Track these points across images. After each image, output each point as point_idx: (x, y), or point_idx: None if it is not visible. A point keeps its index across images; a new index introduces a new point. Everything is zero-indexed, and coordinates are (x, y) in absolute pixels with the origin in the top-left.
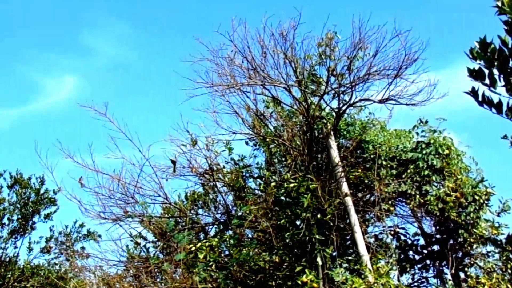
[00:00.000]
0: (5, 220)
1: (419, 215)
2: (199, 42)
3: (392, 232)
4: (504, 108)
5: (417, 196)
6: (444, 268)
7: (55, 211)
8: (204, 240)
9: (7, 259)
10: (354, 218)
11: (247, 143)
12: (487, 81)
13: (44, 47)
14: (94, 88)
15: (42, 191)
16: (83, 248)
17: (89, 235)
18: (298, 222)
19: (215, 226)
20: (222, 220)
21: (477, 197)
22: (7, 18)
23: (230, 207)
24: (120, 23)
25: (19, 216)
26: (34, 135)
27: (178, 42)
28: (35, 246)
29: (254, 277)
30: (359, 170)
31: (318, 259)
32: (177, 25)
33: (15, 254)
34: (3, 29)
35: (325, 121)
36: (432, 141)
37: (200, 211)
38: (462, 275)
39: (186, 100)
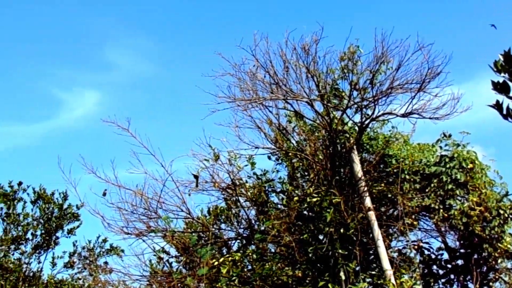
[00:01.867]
0: (29, 235)
1: (443, 229)
2: (221, 57)
3: (416, 247)
4: None
5: (441, 210)
6: (468, 283)
7: (78, 226)
8: (227, 255)
9: (31, 274)
10: (377, 232)
11: (269, 158)
12: (511, 94)
13: (66, 63)
14: (116, 103)
15: (65, 206)
16: (106, 263)
17: (112, 250)
18: (321, 237)
19: (238, 240)
20: (244, 235)
21: (501, 211)
22: (29, 35)
23: (253, 221)
24: (143, 38)
25: (43, 231)
26: (57, 150)
27: (200, 57)
28: (58, 261)
29: None
30: (382, 185)
31: (341, 274)
32: (200, 40)
33: (39, 269)
34: (25, 46)
35: (347, 135)
36: (455, 155)
37: (222, 225)
38: None
39: (209, 115)
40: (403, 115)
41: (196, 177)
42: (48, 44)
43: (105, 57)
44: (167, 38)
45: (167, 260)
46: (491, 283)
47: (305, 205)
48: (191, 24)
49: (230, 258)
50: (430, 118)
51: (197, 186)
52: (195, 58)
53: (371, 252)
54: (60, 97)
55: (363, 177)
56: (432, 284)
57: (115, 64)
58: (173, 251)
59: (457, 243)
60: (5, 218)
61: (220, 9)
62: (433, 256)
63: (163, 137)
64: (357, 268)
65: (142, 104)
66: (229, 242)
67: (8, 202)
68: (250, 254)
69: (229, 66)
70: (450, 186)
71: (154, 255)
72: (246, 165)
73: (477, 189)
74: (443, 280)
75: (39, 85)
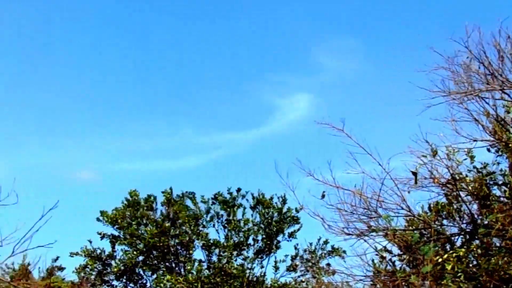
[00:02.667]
0: (250, 241)
1: None
2: (433, 51)
3: None
4: None
5: None
6: None
7: (298, 229)
8: (451, 251)
9: (254, 279)
10: None
11: (489, 150)
12: None
13: (277, 69)
14: (327, 105)
15: (284, 210)
16: (328, 264)
17: (333, 251)
18: None
19: (461, 236)
20: (467, 230)
21: None
22: (239, 45)
23: (475, 216)
24: (348, 37)
25: (264, 236)
26: (272, 155)
27: (409, 53)
28: (281, 264)
29: (505, 286)
30: None
31: None
32: (406, 36)
33: (262, 274)
34: (242, 55)
35: None
36: None
37: (444, 221)
38: None
39: (424, 110)
40: None
41: (414, 174)
42: (261, 53)
43: (313, 59)
44: (373, 36)
45: (390, 259)
46: None
47: None
48: (396, 21)
49: (454, 254)
50: None
51: (416, 183)
52: (402, 54)
53: None
54: (273, 102)
55: None
56: None
57: (323, 65)
58: (395, 250)
59: None
60: (226, 225)
61: (426, 3)
62: None
63: (377, 135)
64: None
65: (353, 104)
66: (452, 238)
67: (228, 209)
68: (474, 249)
69: (442, 60)
70: None
71: (377, 254)
72: (465, 159)
73: None
74: None
75: (254, 93)
